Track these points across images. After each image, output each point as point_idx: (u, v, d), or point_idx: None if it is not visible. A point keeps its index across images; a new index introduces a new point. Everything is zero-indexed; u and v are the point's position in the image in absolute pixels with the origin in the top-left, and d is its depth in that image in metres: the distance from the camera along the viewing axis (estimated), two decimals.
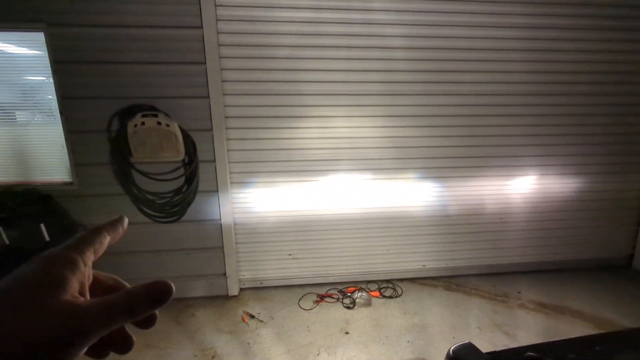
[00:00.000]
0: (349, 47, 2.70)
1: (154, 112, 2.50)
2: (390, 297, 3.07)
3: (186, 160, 2.68)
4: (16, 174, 2.72)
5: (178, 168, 2.69)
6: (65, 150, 2.64)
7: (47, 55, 2.45)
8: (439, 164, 3.07)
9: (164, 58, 2.52)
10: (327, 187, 3.00)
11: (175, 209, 2.76)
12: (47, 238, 2.42)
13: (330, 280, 3.25)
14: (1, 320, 0.25)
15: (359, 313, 2.85)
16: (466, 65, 2.85)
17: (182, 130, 2.57)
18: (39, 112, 2.74)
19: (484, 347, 2.45)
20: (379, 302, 3.00)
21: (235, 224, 2.98)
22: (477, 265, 3.42)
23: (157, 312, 0.34)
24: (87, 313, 0.27)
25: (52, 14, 2.37)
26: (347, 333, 2.60)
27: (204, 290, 3.05)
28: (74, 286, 0.29)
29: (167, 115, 2.54)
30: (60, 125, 2.58)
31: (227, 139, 2.76)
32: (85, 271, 0.31)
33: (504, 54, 2.86)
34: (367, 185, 3.05)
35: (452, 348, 0.89)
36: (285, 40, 2.63)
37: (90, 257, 0.32)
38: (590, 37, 2.90)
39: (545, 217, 3.36)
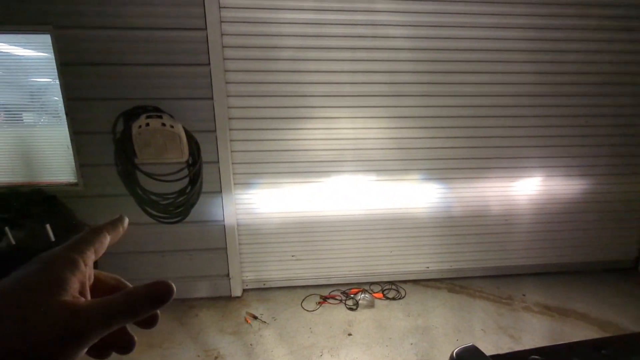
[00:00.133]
0: (353, 48, 2.70)
1: (159, 114, 2.52)
2: (394, 298, 3.06)
3: (190, 161, 2.69)
4: (22, 174, 2.75)
5: (182, 169, 2.70)
6: (71, 151, 2.66)
7: (53, 57, 2.48)
8: (443, 165, 3.06)
9: (168, 60, 2.54)
10: (331, 188, 3.00)
11: (179, 210, 2.77)
12: (53, 238, 2.44)
13: (333, 281, 3.24)
14: (1, 321, 0.25)
15: (362, 315, 2.84)
16: (471, 66, 2.84)
17: (186, 132, 2.58)
18: (45, 114, 2.76)
19: (488, 349, 2.43)
20: (382, 304, 2.99)
21: (238, 225, 2.98)
22: (482, 267, 3.40)
23: (158, 312, 0.34)
24: (88, 313, 0.27)
25: (58, 17, 2.39)
26: (350, 335, 2.60)
27: (207, 291, 3.06)
28: (74, 286, 0.29)
29: (171, 116, 2.56)
30: (66, 127, 2.61)
31: (231, 140, 2.77)
32: (86, 271, 0.31)
33: (509, 55, 2.85)
34: (371, 186, 3.04)
35: (456, 351, 0.88)
36: (289, 41, 2.63)
37: (91, 257, 0.32)
38: (595, 37, 2.88)
39: (550, 218, 3.33)
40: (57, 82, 2.52)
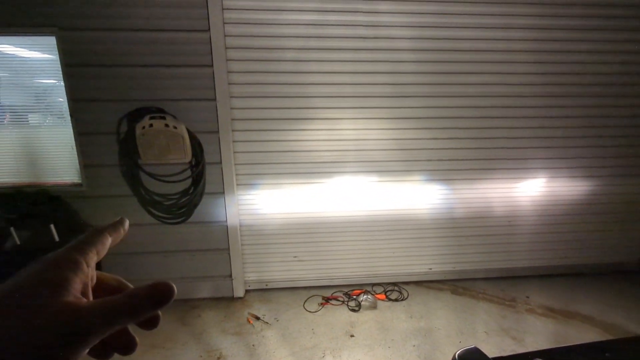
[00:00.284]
0: (356, 49, 2.70)
1: (162, 115, 2.53)
2: (396, 300, 3.06)
3: (193, 162, 2.70)
4: (27, 175, 2.77)
5: (185, 170, 2.72)
6: (75, 152, 2.68)
7: (58, 58, 2.50)
8: (446, 166, 3.05)
9: (172, 61, 2.55)
10: (333, 189, 3.00)
11: (182, 211, 2.78)
12: (57, 238, 2.46)
13: (336, 282, 3.24)
14: (4, 321, 0.25)
15: (364, 316, 2.84)
16: (474, 67, 2.83)
17: (189, 133, 2.59)
18: (50, 115, 2.79)
19: (491, 352, 2.42)
20: (384, 305, 2.98)
21: (241, 226, 2.99)
22: (485, 269, 3.38)
23: (159, 313, 0.34)
24: (89, 314, 0.27)
25: (63, 19, 2.41)
26: (352, 336, 2.59)
27: (210, 292, 3.07)
28: (76, 287, 0.29)
29: (174, 117, 2.57)
30: (71, 128, 2.63)
31: (234, 141, 2.78)
32: (88, 272, 0.31)
33: (512, 56, 2.84)
34: (373, 187, 3.04)
35: (458, 352, 0.88)
36: (292, 42, 2.64)
37: (93, 258, 0.33)
38: (599, 37, 2.86)
39: (555, 220, 3.31)
40: (62, 83, 2.55)
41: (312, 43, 2.66)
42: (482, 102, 2.92)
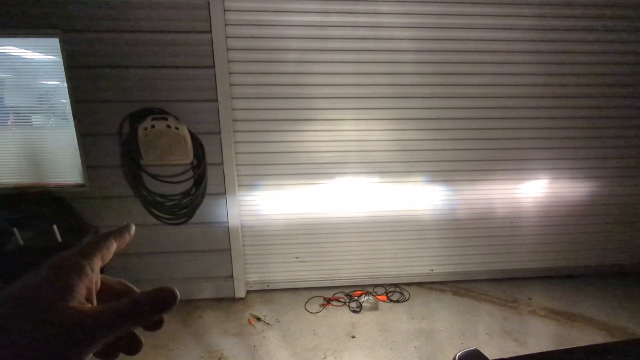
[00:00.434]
0: (357, 50, 2.70)
1: (164, 116, 2.54)
2: (398, 301, 3.05)
3: (195, 163, 2.71)
4: (30, 175, 2.79)
5: (187, 171, 2.72)
6: (78, 153, 2.70)
7: (61, 60, 2.51)
8: (448, 167, 3.05)
9: (174, 62, 2.56)
10: (335, 190, 3.00)
11: (184, 211, 2.79)
12: (60, 239, 2.47)
13: (337, 283, 3.24)
14: (9, 326, 0.25)
15: (366, 317, 2.83)
16: (475, 67, 2.83)
17: (191, 134, 2.60)
18: (53, 116, 2.80)
19: (493, 353, 2.41)
20: (386, 307, 2.98)
21: (242, 227, 2.99)
22: (487, 270, 3.37)
23: (164, 315, 0.35)
24: (94, 319, 0.28)
25: (66, 21, 2.43)
26: (353, 337, 2.59)
27: (211, 292, 3.07)
28: (81, 292, 0.29)
29: (176, 118, 2.58)
30: (73, 129, 2.64)
31: (235, 142, 2.79)
32: (93, 277, 0.32)
33: (514, 56, 2.83)
34: (374, 188, 3.04)
35: (458, 354, 0.88)
36: (293, 44, 2.64)
37: (97, 263, 0.33)
38: (602, 38, 2.85)
39: (557, 221, 3.29)
40: (65, 84, 2.56)
41: (314, 44, 2.66)
42: (483, 103, 2.91)
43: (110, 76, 2.56)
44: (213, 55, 2.56)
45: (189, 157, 2.64)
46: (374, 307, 2.93)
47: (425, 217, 3.16)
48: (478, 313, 2.89)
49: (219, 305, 2.98)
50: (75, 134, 2.65)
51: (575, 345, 1.25)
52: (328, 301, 3.02)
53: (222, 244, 2.97)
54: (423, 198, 3.11)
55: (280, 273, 3.18)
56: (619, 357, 1.13)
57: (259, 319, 2.79)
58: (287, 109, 2.77)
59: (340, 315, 2.85)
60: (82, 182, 2.77)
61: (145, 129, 2.49)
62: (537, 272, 3.41)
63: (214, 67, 2.58)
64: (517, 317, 2.82)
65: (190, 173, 2.73)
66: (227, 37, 2.56)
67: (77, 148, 2.69)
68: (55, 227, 2.49)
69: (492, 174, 3.10)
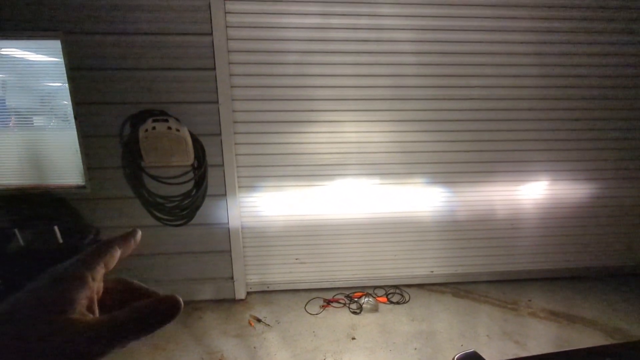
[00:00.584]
0: (358, 52, 2.71)
1: (165, 117, 2.55)
2: (398, 303, 3.05)
3: (195, 165, 2.72)
4: (31, 177, 2.80)
5: (187, 172, 2.73)
6: (79, 154, 2.70)
7: (63, 62, 2.53)
8: (448, 169, 3.05)
9: (174, 64, 2.57)
10: (335, 191, 3.01)
11: (184, 213, 2.80)
12: (61, 240, 2.48)
13: (337, 285, 3.24)
14: (10, 339, 0.25)
15: (366, 319, 2.83)
16: (475, 69, 2.83)
17: (192, 135, 2.61)
18: (55, 117, 2.81)
19: (493, 355, 2.41)
20: (386, 308, 2.98)
21: (242, 228, 3.00)
22: (487, 272, 3.37)
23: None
24: (95, 331, 0.27)
25: (68, 23, 2.44)
26: (353, 339, 2.59)
27: (212, 294, 3.08)
28: (82, 303, 0.29)
29: (177, 120, 2.59)
30: (75, 130, 2.65)
31: (236, 144, 2.80)
32: (94, 286, 0.31)
33: (514, 58, 2.84)
34: (375, 190, 3.04)
35: (457, 356, 0.88)
36: (294, 46, 2.65)
37: (100, 271, 0.33)
38: (602, 40, 2.85)
39: (557, 223, 3.30)
40: (67, 86, 2.57)
41: (315, 46, 2.67)
42: (484, 105, 2.92)
43: (111, 78, 2.57)
44: (214, 57, 2.57)
45: (190, 159, 2.64)
46: (374, 309, 2.93)
47: (425, 218, 3.16)
48: (478, 315, 2.88)
49: (219, 307, 2.99)
50: (76, 135, 2.66)
51: (575, 348, 1.25)
52: (328, 302, 3.02)
53: (223, 245, 2.97)
54: (423, 200, 3.11)
55: (281, 274, 3.18)
56: (617, 359, 1.13)
57: (259, 320, 2.79)
58: (287, 110, 2.78)
59: (340, 317, 2.85)
60: (83, 183, 2.78)
61: (146, 130, 2.50)
62: (537, 273, 3.41)
63: (214, 69, 2.59)
64: (517, 319, 2.82)
65: (191, 174, 2.74)
66: (228, 39, 2.57)
67: (78, 149, 2.70)
68: (56, 228, 2.50)
69: (492, 175, 3.10)
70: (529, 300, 3.07)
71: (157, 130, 2.50)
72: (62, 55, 2.51)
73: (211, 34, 2.53)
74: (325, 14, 2.60)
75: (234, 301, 3.07)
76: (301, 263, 3.16)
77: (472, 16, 2.70)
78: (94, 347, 0.27)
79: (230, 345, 2.53)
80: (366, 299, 3.00)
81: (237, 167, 2.85)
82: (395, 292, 3.19)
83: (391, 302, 3.05)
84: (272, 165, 2.88)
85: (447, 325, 2.74)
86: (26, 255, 2.42)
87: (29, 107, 2.75)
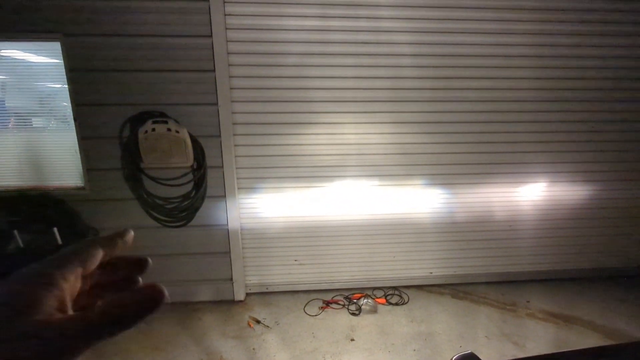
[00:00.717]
0: (357, 54, 2.72)
1: (164, 119, 2.55)
2: (397, 304, 3.06)
3: (195, 166, 2.72)
4: (31, 178, 2.80)
5: (187, 174, 2.74)
6: (79, 156, 2.71)
7: (63, 63, 2.53)
8: (447, 170, 3.06)
9: (174, 66, 2.58)
10: (334, 193, 3.02)
11: (184, 214, 2.80)
12: (60, 241, 2.48)
13: (336, 286, 3.24)
14: None
15: (365, 320, 2.84)
16: (474, 71, 2.85)
17: (191, 137, 2.62)
18: (54, 119, 2.82)
19: (492, 356, 2.42)
20: (385, 309, 2.99)
21: (242, 229, 3.00)
22: (485, 273, 3.38)
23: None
24: (63, 331, 0.26)
25: (68, 25, 2.45)
26: (352, 340, 2.59)
27: (211, 295, 3.08)
28: (49, 304, 0.28)
29: (176, 121, 2.60)
30: (74, 131, 2.65)
31: (235, 145, 2.80)
32: (66, 286, 0.30)
33: (513, 61, 2.85)
34: (374, 191, 3.05)
35: (454, 358, 0.88)
36: (294, 48, 2.66)
37: (74, 271, 0.31)
38: (599, 43, 2.87)
39: (556, 224, 3.31)
40: (66, 87, 2.58)
41: (314, 48, 2.68)
42: (482, 107, 2.93)
43: (111, 80, 2.57)
44: (213, 59, 2.58)
45: (189, 160, 2.65)
46: (373, 310, 2.94)
47: (424, 220, 3.17)
48: (477, 316, 2.89)
49: (218, 308, 2.99)
50: (75, 136, 2.66)
51: (573, 349, 1.26)
52: (327, 304, 3.02)
53: (222, 247, 2.97)
54: (422, 201, 3.12)
55: (280, 276, 3.18)
56: None
57: (258, 322, 2.79)
58: (287, 112, 2.79)
59: (340, 318, 2.86)
60: (82, 184, 2.78)
61: (146, 132, 2.50)
62: (536, 275, 3.42)
63: (214, 70, 2.60)
64: (516, 320, 2.83)
65: (191, 176, 2.74)
66: (227, 41, 2.58)
67: (77, 151, 2.70)
68: (55, 229, 2.50)
69: (491, 177, 3.12)
70: (528, 302, 3.08)
71: (156, 131, 2.51)
72: (61, 57, 2.52)
73: (211, 36, 2.54)
74: (324, 16, 2.62)
75: (233, 302, 3.07)
76: (300, 264, 3.17)
77: (471, 19, 2.72)
78: (61, 347, 0.26)
79: (229, 346, 2.53)
80: (365, 300, 3.01)
81: (237, 168, 2.86)
82: (394, 294, 3.20)
83: (390, 304, 3.06)
84: (272, 167, 2.89)
85: (446, 327, 2.75)
86: (25, 256, 2.42)
87: (29, 109, 2.75)
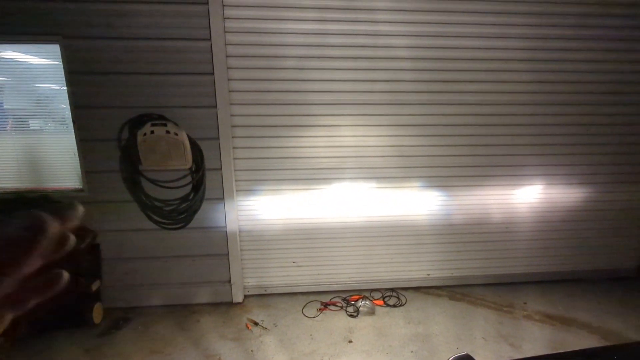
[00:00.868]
0: (355, 58, 2.74)
1: (163, 121, 2.56)
2: (394, 306, 3.07)
3: (193, 169, 2.73)
4: (29, 180, 2.80)
5: (185, 176, 2.74)
6: (77, 158, 2.71)
7: (62, 66, 2.54)
8: (444, 173, 3.08)
9: (173, 69, 2.59)
10: (332, 195, 3.03)
11: (182, 216, 2.81)
12: None
13: (334, 288, 3.25)
14: None
15: (363, 322, 2.85)
16: (471, 75, 2.87)
17: (190, 139, 2.63)
18: (52, 121, 2.82)
19: (489, 358, 2.43)
20: (382, 311, 3.00)
21: (240, 231, 3.01)
22: (483, 275, 3.40)
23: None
24: None
25: (67, 27, 2.46)
26: (350, 342, 2.60)
27: (209, 297, 3.08)
28: None
29: (175, 124, 2.61)
30: (73, 134, 2.66)
31: (234, 148, 2.81)
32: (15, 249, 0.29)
33: (509, 64, 2.88)
34: (371, 193, 3.07)
35: (450, 359, 0.90)
36: (292, 51, 2.68)
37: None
38: (595, 47, 2.91)
39: (552, 227, 3.33)
40: (65, 90, 2.58)
41: (313, 52, 2.70)
42: (479, 110, 2.96)
43: (110, 82, 2.58)
44: (212, 62, 2.59)
45: (188, 163, 2.66)
46: (371, 312, 2.95)
47: (421, 222, 3.19)
48: (474, 317, 2.91)
49: (217, 310, 2.99)
50: (74, 139, 2.67)
51: (569, 350, 1.28)
52: (325, 306, 3.03)
53: (220, 249, 2.98)
54: (420, 203, 3.14)
55: (278, 278, 3.19)
56: None
57: (256, 324, 2.79)
58: (285, 115, 2.80)
59: (338, 320, 2.87)
60: (80, 186, 2.78)
61: (145, 134, 2.51)
62: (533, 276, 3.44)
63: (213, 73, 2.61)
64: (513, 322, 2.84)
65: (189, 178, 2.75)
66: (226, 44, 2.60)
67: (76, 153, 2.70)
68: None
69: (488, 179, 3.14)
70: (524, 303, 3.10)
71: (155, 134, 2.51)
72: (61, 59, 2.52)
73: (210, 39, 2.55)
74: (323, 20, 2.64)
75: (231, 304, 3.07)
76: (298, 266, 3.18)
77: (468, 23, 2.75)
78: None
79: (227, 348, 2.53)
80: (363, 302, 3.02)
81: (235, 170, 2.87)
82: (392, 295, 3.21)
83: (388, 305, 3.07)
84: (270, 169, 2.90)
85: (444, 328, 2.76)
86: None
87: (28, 110, 2.75)
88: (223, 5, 2.52)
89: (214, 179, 2.81)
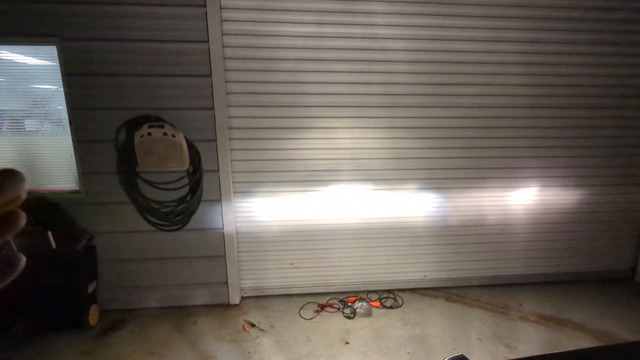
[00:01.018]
0: (352, 60, 2.76)
1: (161, 123, 2.57)
2: (391, 307, 3.08)
3: (191, 170, 2.73)
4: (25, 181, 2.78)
5: (183, 177, 2.74)
6: (74, 159, 2.70)
7: (59, 67, 2.53)
8: (440, 175, 3.10)
9: (171, 71, 2.60)
10: (329, 197, 3.04)
11: (179, 218, 2.80)
12: (54, 245, 2.47)
13: (331, 289, 3.26)
14: None
15: (360, 323, 2.85)
16: (467, 78, 2.90)
17: (187, 141, 2.63)
18: (49, 122, 2.81)
19: (485, 359, 2.44)
20: (379, 313, 3.00)
21: (237, 233, 3.01)
22: (479, 277, 3.42)
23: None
24: None
25: (64, 29, 2.46)
26: (347, 343, 2.61)
27: (206, 299, 3.08)
28: None
29: (173, 126, 2.61)
30: (69, 135, 2.65)
31: (231, 150, 2.82)
32: None
33: (505, 68, 2.91)
34: (368, 195, 3.08)
35: None
36: (289, 54, 2.70)
37: None
38: (589, 51, 2.95)
39: (547, 228, 3.36)
40: (62, 91, 2.58)
41: (310, 54, 2.72)
42: (475, 113, 2.99)
43: (107, 84, 2.58)
44: (210, 64, 2.60)
45: (185, 164, 2.66)
46: (368, 313, 2.96)
47: (418, 224, 3.21)
48: (470, 319, 2.92)
49: (214, 312, 2.99)
50: (71, 140, 2.66)
51: (564, 350, 1.29)
52: (322, 307, 3.04)
53: (217, 250, 2.98)
54: (416, 205, 3.16)
55: (275, 279, 3.19)
56: None
57: (253, 325, 2.79)
58: (283, 117, 2.81)
59: (334, 322, 2.87)
60: (77, 188, 2.77)
61: (142, 136, 2.51)
62: (528, 278, 3.47)
63: (210, 75, 2.62)
64: (508, 323, 2.86)
65: (186, 180, 2.75)
66: (224, 46, 2.61)
67: (72, 154, 2.70)
68: (49, 233, 2.49)
69: (483, 181, 3.16)
70: (520, 305, 3.12)
71: (152, 135, 2.52)
72: (58, 61, 2.52)
73: (207, 41, 2.56)
74: (320, 23, 2.65)
75: (228, 306, 3.07)
76: (295, 268, 3.18)
77: (464, 27, 2.78)
78: None
79: (224, 350, 2.53)
80: (360, 303, 3.03)
81: (233, 172, 2.87)
82: (389, 297, 3.22)
83: (384, 307, 3.08)
84: (267, 171, 2.91)
85: (440, 329, 2.77)
86: None
87: (24, 112, 2.74)
88: (221, 8, 2.53)
89: (211, 180, 2.81)
